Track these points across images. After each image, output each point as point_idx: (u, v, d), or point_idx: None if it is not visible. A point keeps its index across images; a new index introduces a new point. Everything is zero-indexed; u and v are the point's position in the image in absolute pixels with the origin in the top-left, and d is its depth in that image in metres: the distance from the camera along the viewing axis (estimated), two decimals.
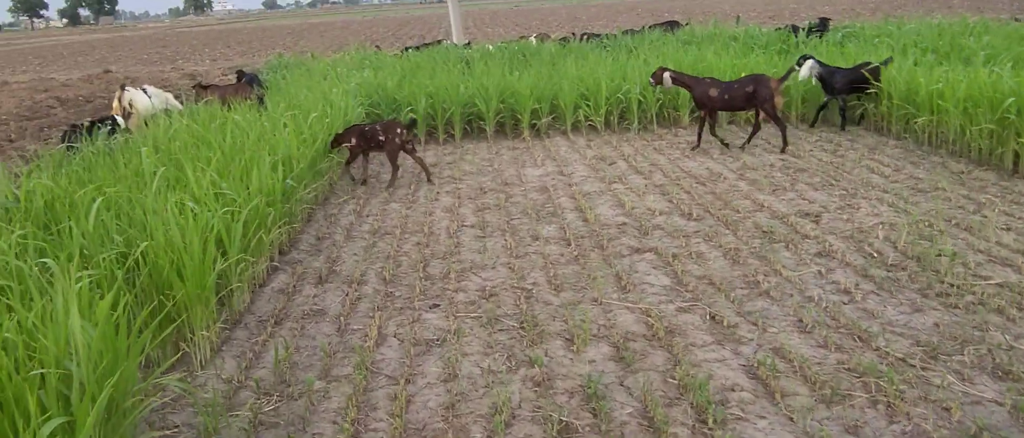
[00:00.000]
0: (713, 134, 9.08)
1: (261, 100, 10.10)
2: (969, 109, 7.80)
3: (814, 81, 9.52)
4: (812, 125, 9.96)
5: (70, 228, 4.29)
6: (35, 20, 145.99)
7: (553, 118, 10.57)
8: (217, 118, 8.01)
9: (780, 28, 16.09)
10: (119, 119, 8.29)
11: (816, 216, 6.35)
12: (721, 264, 5.38)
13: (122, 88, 9.04)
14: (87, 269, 3.85)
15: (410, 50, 17.31)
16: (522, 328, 4.38)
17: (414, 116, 9.42)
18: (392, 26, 49.67)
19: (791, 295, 4.77)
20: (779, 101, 8.59)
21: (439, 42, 18.41)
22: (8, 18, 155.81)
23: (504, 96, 10.18)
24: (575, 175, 8.09)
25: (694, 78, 8.96)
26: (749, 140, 9.06)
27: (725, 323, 4.39)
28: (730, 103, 8.75)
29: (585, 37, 17.37)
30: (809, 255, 5.49)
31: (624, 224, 6.33)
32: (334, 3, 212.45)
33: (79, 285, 3.26)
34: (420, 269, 5.42)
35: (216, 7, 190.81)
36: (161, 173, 5.24)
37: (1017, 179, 7.08)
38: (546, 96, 10.35)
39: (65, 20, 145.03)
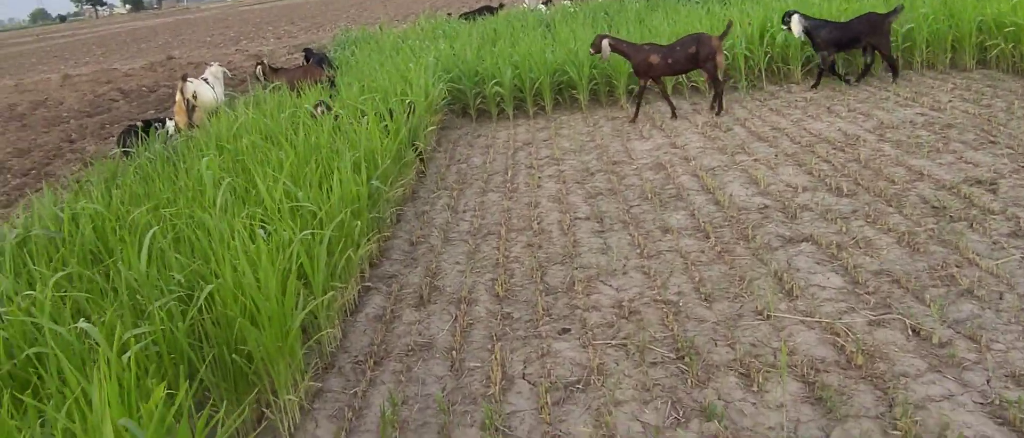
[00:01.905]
0: (636, 104, 8.58)
1: (332, 82, 9.51)
2: None
3: (802, 37, 8.62)
4: (814, 87, 9.01)
5: (119, 269, 3.68)
6: (99, 8, 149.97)
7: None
8: (286, 107, 7.43)
9: None
10: (169, 123, 7.78)
11: (991, 184, 5.37)
12: (897, 253, 4.50)
13: (184, 79, 8.52)
14: (139, 324, 3.24)
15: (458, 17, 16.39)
16: (681, 359, 3.61)
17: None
18: None
19: (1001, 294, 3.87)
20: (720, 60, 8.17)
21: (493, 8, 17.38)
22: (72, 7, 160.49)
23: (596, 61, 9.32)
24: (690, 147, 7.23)
25: (632, 45, 8.39)
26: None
27: (934, 339, 3.54)
28: (673, 67, 8.29)
29: None
30: (1002, 235, 4.56)
31: (765, 206, 5.47)
32: None
33: (128, 354, 2.65)
34: (537, 279, 4.71)
35: None
36: (227, 185, 4.61)
37: None
38: None
39: (128, 6, 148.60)
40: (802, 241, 4.84)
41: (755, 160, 6.56)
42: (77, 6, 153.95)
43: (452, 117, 9.62)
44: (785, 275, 4.35)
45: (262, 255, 3.51)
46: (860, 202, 5.36)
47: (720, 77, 8.34)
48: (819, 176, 5.98)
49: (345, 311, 4.52)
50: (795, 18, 8.60)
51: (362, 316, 4.50)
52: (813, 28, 8.59)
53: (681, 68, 8.33)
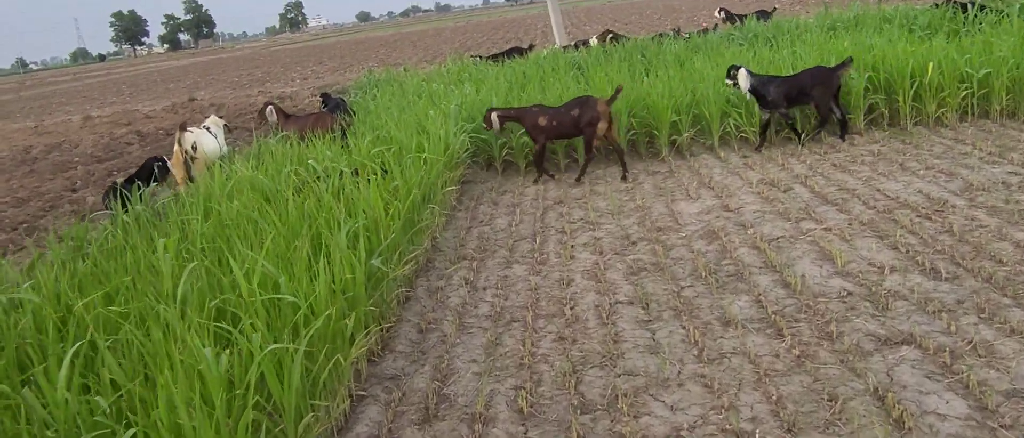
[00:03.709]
0: (537, 167, 8.14)
1: (343, 133, 8.75)
2: None
3: (748, 96, 7.86)
4: (758, 148, 8.22)
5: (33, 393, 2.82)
6: (137, 47, 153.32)
7: (695, 131, 8.79)
8: (290, 162, 6.67)
9: (938, 4, 13.63)
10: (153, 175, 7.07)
11: None
12: None
13: (182, 128, 7.82)
14: None
15: (481, 59, 15.72)
16: None
17: None
18: (486, 31, 48.44)
19: None
20: (602, 127, 7.63)
21: (522, 50, 16.67)
22: (112, 47, 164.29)
23: (634, 108, 8.47)
24: (745, 210, 6.31)
25: (520, 109, 7.99)
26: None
27: None
28: (559, 130, 7.83)
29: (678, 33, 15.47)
30: None
31: (847, 293, 4.52)
32: (426, 11, 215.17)
33: None
34: (570, 388, 3.79)
35: (311, 23, 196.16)
36: (190, 273, 3.77)
37: None
38: (684, 105, 8.58)
39: (166, 46, 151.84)
40: (902, 344, 3.88)
41: (826, 229, 5.62)
42: (116, 46, 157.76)
43: (476, 169, 8.80)
44: (888, 394, 3.40)
45: (211, 378, 2.65)
46: (965, 289, 4.40)
47: (618, 143, 7.92)
48: (907, 252, 5.02)
49: (333, 429, 3.63)
50: (742, 72, 7.97)
51: (352, 436, 3.60)
52: (760, 84, 7.96)
53: (567, 132, 7.86)
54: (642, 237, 5.93)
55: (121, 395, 2.93)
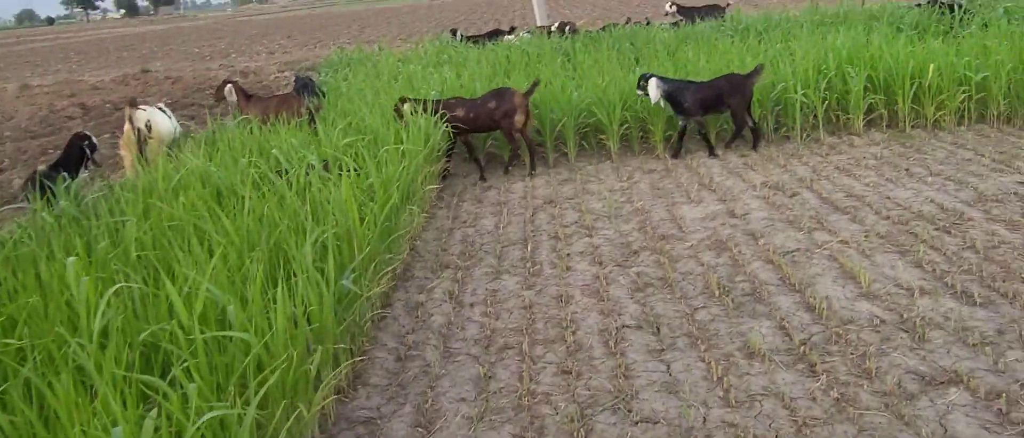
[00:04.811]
0: (473, 158, 7.93)
1: (312, 118, 8.11)
2: None
3: (662, 103, 7.47)
4: (675, 155, 7.82)
5: None
6: (90, 12, 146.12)
7: None
8: (250, 152, 6.06)
9: (922, 4, 13.36)
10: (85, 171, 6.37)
11: None
12: None
13: (132, 105, 7.08)
14: None
15: (461, 37, 15.05)
16: None
17: None
18: (463, 10, 47.36)
19: None
20: (520, 119, 7.38)
21: (503, 32, 16.03)
22: (62, 10, 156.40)
23: (627, 101, 7.98)
24: (752, 217, 5.88)
25: (437, 101, 7.61)
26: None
27: None
28: (476, 122, 7.54)
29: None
30: None
31: (878, 320, 4.11)
32: None
33: None
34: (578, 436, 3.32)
35: None
36: (109, 302, 3.15)
37: None
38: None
39: (123, 11, 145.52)
40: (949, 383, 3.48)
41: (842, 242, 5.22)
42: (67, 8, 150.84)
43: (457, 162, 8.25)
44: None
45: None
46: (1003, 317, 4.02)
47: (516, 136, 7.56)
48: (933, 271, 4.64)
49: None
50: (652, 82, 7.49)
51: None
52: (676, 91, 7.56)
53: (484, 125, 7.58)
54: (644, 246, 5.47)
55: None
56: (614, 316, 4.41)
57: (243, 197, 4.65)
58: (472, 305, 4.77)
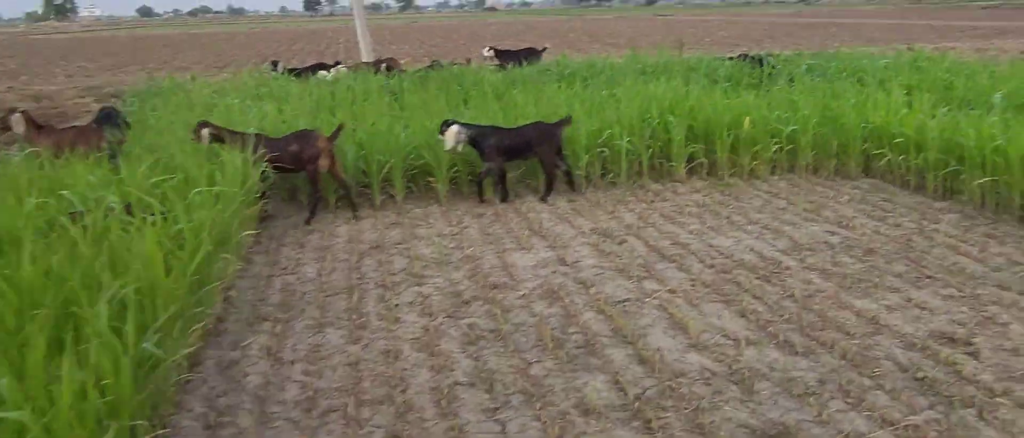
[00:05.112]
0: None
1: (114, 154, 7.28)
2: None
3: (461, 148, 7.56)
4: (503, 199, 7.79)
5: None
6: None
7: (520, 172, 8.33)
8: (38, 192, 5.27)
9: (733, 57, 14.51)
10: None
11: (966, 343, 4.41)
12: None
13: None
14: None
15: (283, 69, 14.50)
16: None
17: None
18: (284, 41, 45.71)
19: None
20: (325, 163, 7.11)
21: (327, 66, 15.56)
22: None
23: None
24: (583, 265, 5.86)
25: (238, 133, 7.23)
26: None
27: None
28: (278, 163, 7.11)
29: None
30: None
31: (709, 373, 4.13)
32: (218, 13, 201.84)
33: None
34: None
35: (82, 12, 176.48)
36: None
37: None
38: None
39: None
40: (779, 437, 3.51)
41: (670, 291, 5.29)
42: None
43: (277, 203, 7.69)
44: None
45: None
46: (824, 367, 4.18)
47: (343, 179, 7.32)
48: (757, 321, 4.78)
49: None
50: (452, 129, 7.40)
51: None
52: (479, 136, 7.51)
53: (289, 167, 7.21)
54: (476, 295, 5.26)
55: None
56: (446, 372, 4.15)
57: (26, 245, 3.95)
58: (292, 362, 4.32)
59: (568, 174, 7.99)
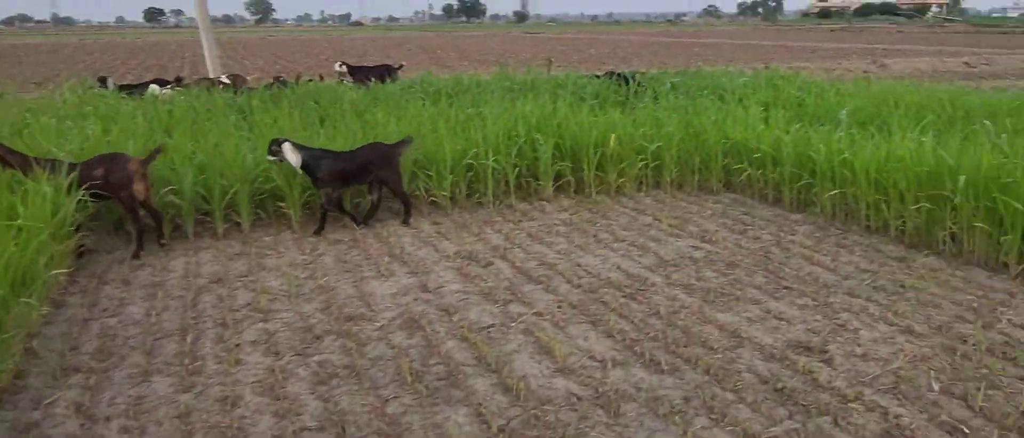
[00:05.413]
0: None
1: None
2: (885, 184, 6.97)
3: (300, 171, 7.23)
4: (317, 232, 7.34)
5: None
6: None
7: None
8: None
9: (600, 75, 14.95)
10: None
11: (821, 351, 4.64)
12: None
13: None
14: None
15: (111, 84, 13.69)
16: None
17: None
18: (120, 54, 43.04)
19: None
20: (140, 189, 6.60)
21: (166, 82, 14.78)
22: None
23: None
24: (446, 291, 5.73)
25: (20, 155, 6.62)
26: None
27: None
28: (85, 188, 6.40)
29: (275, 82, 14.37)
30: None
31: (575, 397, 4.10)
32: (40, 22, 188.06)
33: None
34: None
35: None
36: None
37: (973, 267, 6.14)
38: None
39: None
40: None
41: (537, 314, 5.25)
42: None
43: (100, 235, 7.11)
44: None
45: None
46: (688, 383, 4.25)
47: (136, 208, 6.61)
48: (623, 341, 4.81)
49: None
50: (286, 146, 7.08)
51: None
52: (312, 160, 7.15)
53: (92, 192, 6.50)
54: (329, 329, 5.02)
55: None
56: (291, 417, 3.89)
57: None
58: (108, 419, 3.93)
59: (403, 201, 7.67)
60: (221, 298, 5.64)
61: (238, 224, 7.39)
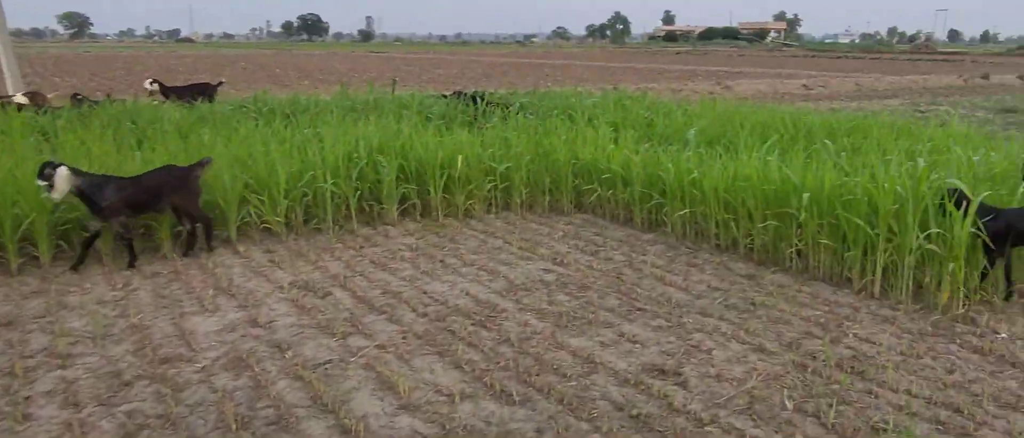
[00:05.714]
0: None
1: None
2: (734, 202, 7.30)
3: (78, 199, 6.69)
4: (74, 267, 6.68)
5: None
6: None
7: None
8: None
9: (447, 95, 15.00)
10: None
11: (676, 373, 4.72)
12: None
13: None
14: None
15: None
16: None
17: None
18: None
19: None
20: None
21: None
22: None
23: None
24: (278, 325, 5.42)
25: None
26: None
27: None
28: None
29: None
30: None
31: (419, 436, 3.94)
32: None
33: None
34: None
35: None
36: None
37: (819, 282, 6.50)
38: None
39: None
40: None
41: (379, 347, 5.06)
42: None
43: None
44: None
45: None
46: (541, 414, 4.20)
47: None
48: (472, 371, 4.71)
49: None
50: (60, 172, 6.38)
51: None
52: (91, 187, 6.55)
53: None
54: (141, 374, 4.60)
55: None
56: None
57: None
58: None
59: (191, 233, 7.19)
60: (10, 344, 5.06)
61: (36, 258, 6.73)
